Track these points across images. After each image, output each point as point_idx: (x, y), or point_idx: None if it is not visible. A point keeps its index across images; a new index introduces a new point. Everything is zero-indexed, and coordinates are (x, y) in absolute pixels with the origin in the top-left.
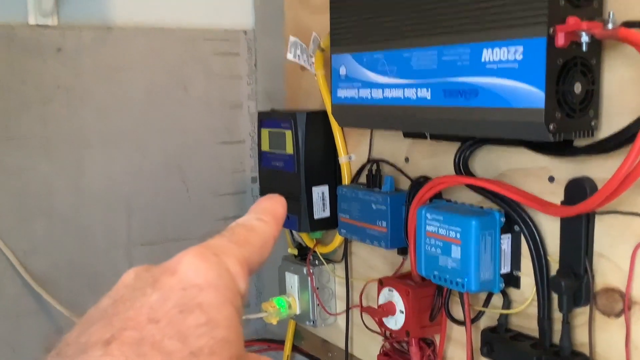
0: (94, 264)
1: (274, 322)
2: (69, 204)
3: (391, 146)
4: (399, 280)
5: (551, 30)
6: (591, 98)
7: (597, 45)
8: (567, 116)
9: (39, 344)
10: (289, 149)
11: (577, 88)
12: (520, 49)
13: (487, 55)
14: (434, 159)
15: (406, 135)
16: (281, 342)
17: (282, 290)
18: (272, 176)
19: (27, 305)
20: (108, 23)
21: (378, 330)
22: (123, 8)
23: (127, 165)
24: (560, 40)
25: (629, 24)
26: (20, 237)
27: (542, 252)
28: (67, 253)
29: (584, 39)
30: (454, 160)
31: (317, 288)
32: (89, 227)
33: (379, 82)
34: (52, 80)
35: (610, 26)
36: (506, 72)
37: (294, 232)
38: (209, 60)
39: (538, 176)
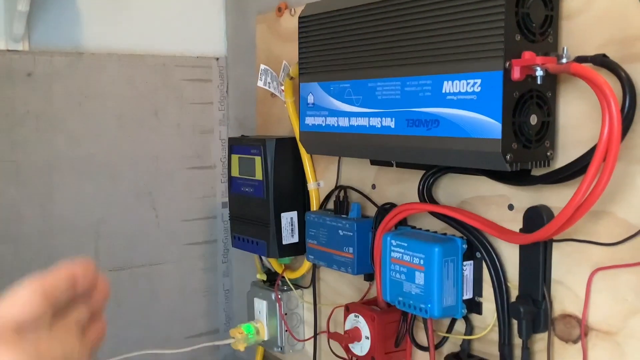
0: None
1: (242, 348)
2: (37, 229)
3: (358, 173)
4: (365, 306)
5: (507, 64)
6: (547, 129)
7: (552, 78)
8: (523, 147)
9: None
10: (259, 175)
11: (533, 120)
12: (479, 81)
13: (448, 87)
14: (400, 186)
15: (373, 162)
16: None
17: (250, 316)
18: (241, 201)
19: None
20: (79, 49)
21: (345, 356)
22: (94, 34)
23: (97, 191)
24: (516, 74)
25: (581, 59)
26: None
27: (502, 279)
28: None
29: (539, 72)
30: (418, 188)
31: (286, 314)
32: (57, 252)
33: (346, 111)
34: (22, 105)
35: (564, 61)
36: (465, 104)
37: (262, 257)
38: (181, 86)
39: (498, 204)
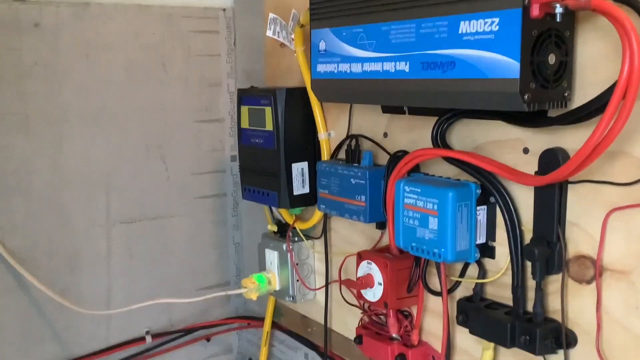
0: (73, 243)
1: (254, 297)
2: (47, 182)
3: (370, 122)
4: (378, 253)
5: (526, 1)
6: (565, 69)
7: (571, 17)
8: (541, 87)
9: (18, 321)
10: (269, 126)
11: (551, 59)
12: (497, 20)
13: (464, 27)
14: (412, 134)
15: (385, 110)
16: (261, 319)
17: (262, 267)
18: (251, 153)
19: (6, 283)
20: None
21: (357, 304)
22: None
23: (107, 143)
24: (535, 11)
25: None
26: None
27: (516, 222)
28: (46, 231)
29: (558, 10)
30: (432, 133)
31: (297, 264)
32: (67, 205)
33: (358, 56)
34: (30, 56)
35: None
36: (483, 44)
37: (273, 208)
38: (188, 38)
39: (513, 148)
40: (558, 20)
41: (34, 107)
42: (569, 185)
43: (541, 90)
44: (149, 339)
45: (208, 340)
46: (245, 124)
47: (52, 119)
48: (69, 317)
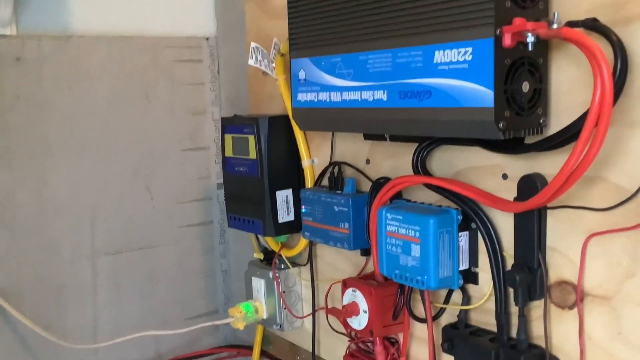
0: (59, 275)
1: (241, 327)
2: (31, 214)
3: (352, 148)
4: (362, 280)
5: (498, 31)
6: (539, 96)
7: (543, 45)
8: (516, 114)
9: (3, 356)
10: (252, 154)
11: (525, 87)
12: (470, 49)
13: (439, 56)
14: (394, 160)
15: (366, 137)
16: (250, 348)
17: (249, 295)
18: (236, 181)
19: None
20: (68, 32)
21: (344, 331)
22: (82, 16)
23: (91, 174)
24: (507, 41)
25: (572, 24)
26: None
27: (497, 248)
28: (31, 264)
29: (530, 39)
30: (412, 160)
31: (284, 292)
32: (52, 237)
33: (337, 85)
34: (12, 90)
35: (555, 26)
36: (457, 73)
37: (259, 236)
38: (172, 67)
39: (492, 174)
40: (530, 48)
41: (16, 139)
42: (548, 211)
43: (516, 117)
44: None
45: None
46: (229, 153)
47: (35, 151)
48: (56, 352)
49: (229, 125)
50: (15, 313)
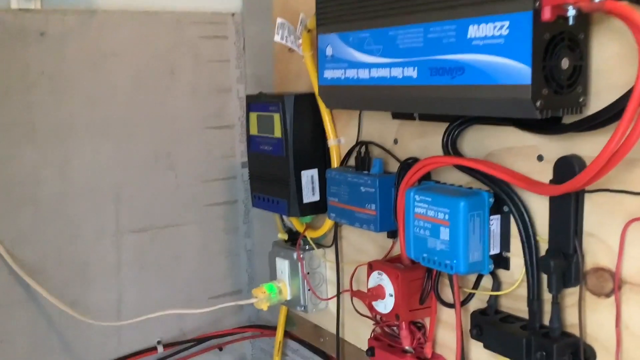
0: (83, 253)
1: (265, 307)
2: (56, 192)
3: (380, 128)
4: (388, 263)
5: (537, 3)
6: (579, 74)
7: (584, 19)
8: (554, 92)
9: (28, 333)
10: (278, 133)
11: (565, 63)
12: (506, 24)
13: (473, 31)
14: (423, 140)
15: (395, 116)
16: (273, 329)
17: (272, 275)
18: (260, 160)
19: (16, 295)
20: (92, 6)
21: (369, 314)
22: None
23: (115, 152)
24: (547, 14)
25: None
26: (7, 226)
27: (531, 233)
28: (56, 242)
29: (571, 12)
30: (442, 140)
31: (308, 273)
32: (77, 215)
33: (366, 62)
34: (36, 66)
35: None
36: (492, 48)
37: (284, 217)
38: (197, 44)
39: (527, 155)
40: (571, 22)
41: (41, 117)
42: (586, 195)
43: (554, 96)
44: (160, 349)
45: (221, 349)
46: (254, 131)
47: (59, 129)
48: (80, 329)
49: (254, 103)
50: (40, 290)
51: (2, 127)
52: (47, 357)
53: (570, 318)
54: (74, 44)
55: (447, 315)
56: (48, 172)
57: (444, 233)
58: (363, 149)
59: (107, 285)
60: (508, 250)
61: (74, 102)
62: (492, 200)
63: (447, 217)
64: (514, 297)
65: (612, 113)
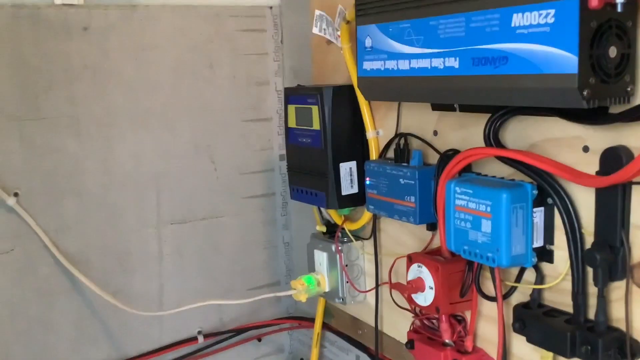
0: (125, 243)
1: (303, 299)
2: (99, 183)
3: (419, 119)
4: (428, 256)
5: None
6: (627, 62)
7: (633, 6)
8: (601, 82)
9: (72, 321)
10: (316, 125)
11: (612, 52)
12: (552, 12)
13: (517, 20)
14: (463, 132)
15: (434, 107)
16: (312, 320)
17: (311, 268)
18: (299, 153)
19: (60, 284)
20: (133, 1)
21: (408, 307)
22: None
23: (156, 144)
24: (594, 2)
25: None
26: (51, 216)
27: (576, 225)
28: (98, 232)
29: None
30: (484, 131)
31: (346, 265)
32: (119, 206)
33: (406, 53)
34: (79, 59)
35: None
36: (537, 37)
37: (322, 208)
38: (235, 37)
39: (571, 146)
40: (619, 10)
41: (84, 109)
42: (633, 186)
43: (601, 85)
44: (201, 339)
45: (259, 340)
46: (292, 123)
47: (102, 121)
48: (122, 318)
49: (292, 95)
50: (83, 279)
51: (46, 120)
52: (91, 346)
53: (616, 312)
54: (115, 38)
55: (488, 309)
56: (91, 163)
57: (486, 225)
58: (402, 141)
59: (149, 275)
60: (552, 243)
61: (115, 94)
62: (535, 192)
63: (489, 209)
64: (558, 291)
65: None
